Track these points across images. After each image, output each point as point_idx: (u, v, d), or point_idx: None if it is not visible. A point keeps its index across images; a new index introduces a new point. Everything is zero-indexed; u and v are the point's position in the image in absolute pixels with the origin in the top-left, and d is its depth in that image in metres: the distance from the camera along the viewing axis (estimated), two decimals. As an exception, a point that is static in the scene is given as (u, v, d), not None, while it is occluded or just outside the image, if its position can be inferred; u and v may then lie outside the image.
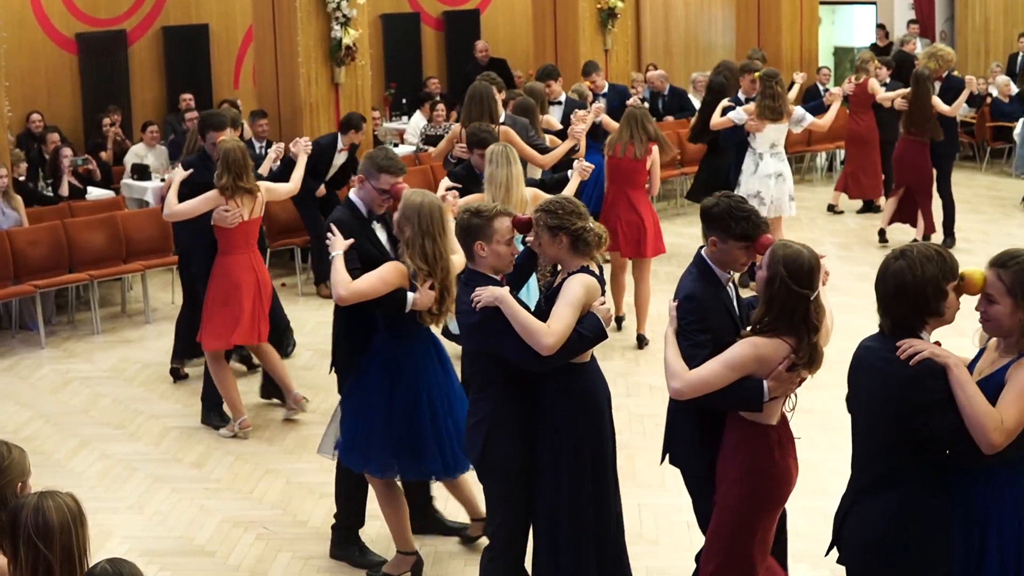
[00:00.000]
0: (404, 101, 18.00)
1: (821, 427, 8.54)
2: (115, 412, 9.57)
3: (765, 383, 5.13)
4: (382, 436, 6.48)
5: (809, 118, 11.82)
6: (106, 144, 15.01)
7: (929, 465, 4.60)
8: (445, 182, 8.36)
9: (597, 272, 5.69)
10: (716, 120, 12.01)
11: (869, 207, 15.21)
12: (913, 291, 4.54)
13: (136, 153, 14.33)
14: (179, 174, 8.93)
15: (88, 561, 3.91)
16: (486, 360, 5.67)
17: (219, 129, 9.11)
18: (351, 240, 6.46)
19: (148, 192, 13.66)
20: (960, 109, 13.29)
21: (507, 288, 5.61)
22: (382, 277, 6.31)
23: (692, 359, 5.22)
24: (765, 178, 11.72)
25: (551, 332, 5.40)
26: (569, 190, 8.59)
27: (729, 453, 5.34)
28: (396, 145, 15.86)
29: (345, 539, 7.07)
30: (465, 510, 7.13)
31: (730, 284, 5.58)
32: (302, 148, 9.56)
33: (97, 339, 11.43)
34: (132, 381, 10.26)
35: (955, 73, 13.96)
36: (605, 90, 13.75)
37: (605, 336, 5.57)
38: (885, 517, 4.66)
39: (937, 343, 4.62)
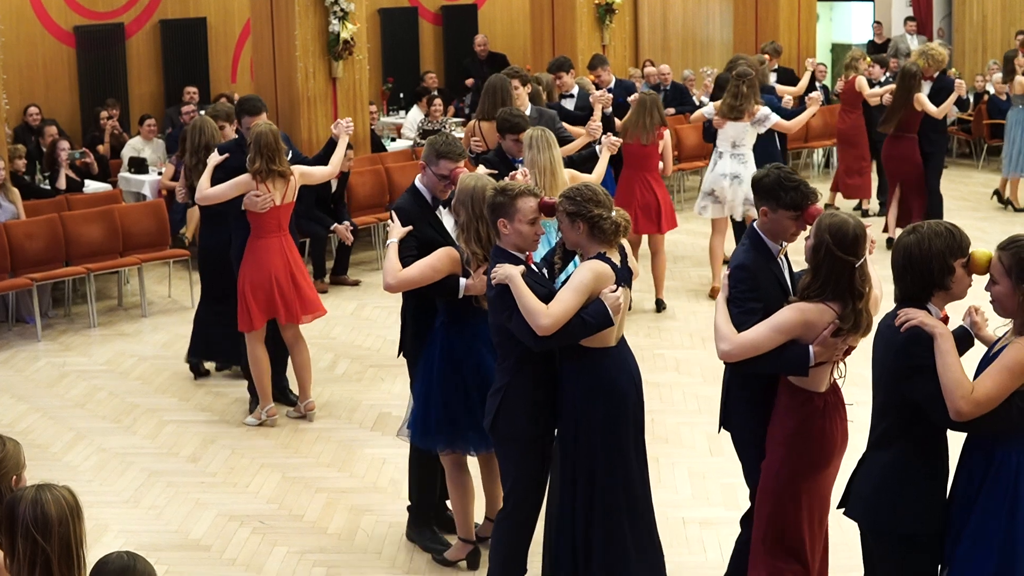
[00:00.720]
0: (402, 95, 17.99)
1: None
2: (111, 406, 9.57)
3: (811, 347, 5.25)
4: (446, 417, 6.52)
5: (774, 119, 11.60)
6: (103, 137, 15.00)
7: (922, 428, 4.82)
8: (481, 169, 8.29)
9: (618, 260, 5.73)
10: (694, 115, 12.06)
11: (858, 208, 15.18)
12: (919, 264, 4.78)
13: (133, 146, 14.34)
14: (214, 158, 8.92)
15: (85, 554, 3.91)
16: (505, 333, 5.80)
17: (254, 114, 9.04)
18: (408, 228, 6.51)
19: (145, 185, 13.66)
20: (947, 111, 13.14)
21: (522, 267, 5.71)
22: (431, 264, 6.35)
23: (741, 325, 5.38)
24: (720, 177, 11.66)
25: (548, 314, 5.53)
26: (600, 166, 8.71)
27: (777, 418, 5.50)
28: (393, 140, 15.86)
29: (420, 522, 7.13)
30: (485, 503, 7.02)
31: (782, 256, 5.72)
32: (343, 130, 9.22)
33: (94, 332, 11.43)
34: (128, 375, 10.26)
35: (952, 72, 13.93)
36: (612, 85, 13.60)
37: (610, 323, 5.62)
38: (880, 472, 4.94)
39: (945, 317, 4.83)
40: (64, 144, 13.10)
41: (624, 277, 5.74)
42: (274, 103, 13.58)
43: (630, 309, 5.93)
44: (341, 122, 9.23)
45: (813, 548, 5.62)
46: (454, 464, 6.72)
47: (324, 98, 13.52)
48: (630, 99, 12.30)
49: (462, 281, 6.34)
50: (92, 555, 3.93)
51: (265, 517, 7.59)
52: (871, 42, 20.69)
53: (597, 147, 9.05)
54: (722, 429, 5.97)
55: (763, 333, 5.30)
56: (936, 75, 13.36)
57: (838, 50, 22.13)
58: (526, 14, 18.28)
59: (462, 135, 10.72)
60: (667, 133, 11.65)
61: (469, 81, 18.14)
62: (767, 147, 12.03)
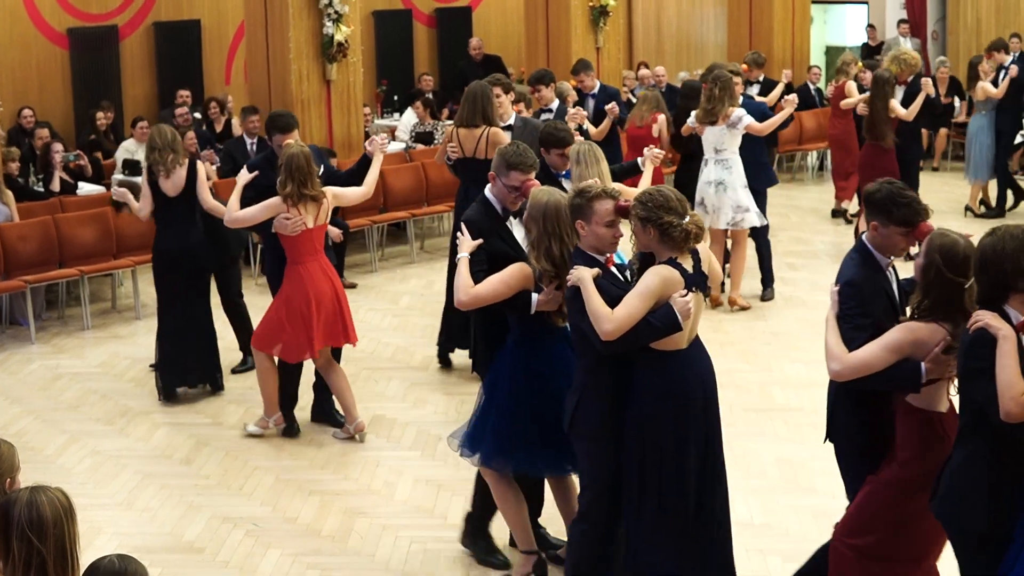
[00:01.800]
0: (396, 98, 17.99)
1: (811, 425, 8.54)
2: (105, 408, 9.56)
3: (923, 364, 5.23)
4: (510, 436, 6.35)
5: (747, 120, 11.32)
6: (99, 140, 15.00)
7: (989, 428, 4.83)
8: None
9: (690, 265, 5.69)
10: (686, 125, 11.91)
11: (837, 210, 15.21)
12: (993, 265, 4.83)
13: (127, 148, 14.30)
14: (243, 176, 8.64)
15: (79, 557, 3.91)
16: (582, 332, 5.78)
17: (286, 131, 8.78)
18: (479, 241, 6.35)
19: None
20: (915, 112, 12.87)
21: (596, 270, 5.71)
22: (504, 280, 6.20)
23: (852, 342, 5.36)
24: (706, 185, 11.44)
25: (611, 319, 5.52)
26: (644, 179, 8.44)
27: (901, 440, 5.44)
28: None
29: (475, 530, 7.03)
30: (562, 517, 6.77)
31: (890, 269, 5.64)
32: (378, 147, 8.79)
33: (87, 335, 11.42)
34: (122, 377, 10.25)
35: (945, 74, 13.92)
36: (595, 90, 13.49)
37: (678, 328, 5.57)
38: (954, 469, 5.02)
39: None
40: (58, 146, 13.10)
41: (696, 282, 5.70)
42: (268, 105, 13.57)
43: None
44: (376, 138, 8.85)
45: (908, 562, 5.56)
46: (496, 477, 6.55)
47: (318, 100, 13.52)
48: (608, 108, 12.27)
49: (534, 297, 6.20)
50: (85, 558, 3.92)
51: (259, 519, 7.58)
52: (865, 45, 20.71)
53: (640, 160, 8.83)
54: (828, 440, 5.88)
55: (874, 352, 5.28)
56: (910, 80, 13.26)
57: (832, 53, 22.16)
58: (520, 16, 18.29)
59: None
60: (661, 117, 12.14)
61: None
62: (755, 153, 11.81)
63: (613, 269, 5.88)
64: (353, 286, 12.74)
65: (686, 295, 5.60)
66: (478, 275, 6.25)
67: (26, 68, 16.11)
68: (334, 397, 8.89)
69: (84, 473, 8.35)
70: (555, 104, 11.88)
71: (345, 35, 13.41)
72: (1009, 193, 15.48)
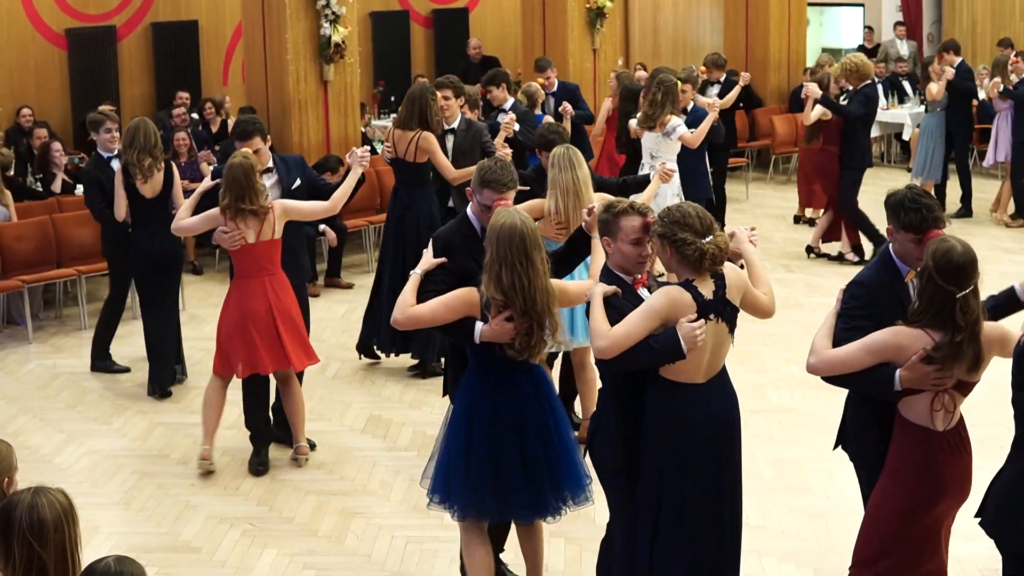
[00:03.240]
0: (393, 99, 17.99)
1: (805, 426, 8.59)
2: (102, 408, 9.58)
3: (898, 372, 5.08)
4: (460, 476, 5.93)
5: (681, 130, 11.07)
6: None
7: None
8: None
9: (709, 290, 5.31)
10: (631, 127, 11.80)
11: (799, 216, 15.21)
12: None
13: (124, 149, 14.33)
14: (204, 184, 8.34)
15: (80, 558, 3.91)
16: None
17: (243, 139, 8.32)
18: (441, 260, 5.96)
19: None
20: (809, 118, 12.66)
21: (615, 288, 5.41)
22: (446, 303, 5.75)
23: (842, 341, 5.24)
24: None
25: (606, 336, 5.22)
26: (647, 192, 8.12)
27: (893, 452, 5.34)
28: (383, 142, 15.81)
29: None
30: (526, 568, 6.35)
31: (911, 280, 5.42)
32: (357, 160, 8.26)
33: (85, 334, 11.41)
34: (119, 376, 10.26)
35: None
36: (555, 88, 13.38)
37: (680, 355, 5.20)
38: (1003, 483, 4.98)
39: None
40: (57, 146, 13.11)
41: (713, 309, 5.28)
42: (265, 106, 13.60)
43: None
44: (356, 151, 8.33)
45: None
46: (466, 528, 6.07)
47: (315, 101, 13.53)
48: (562, 109, 12.20)
49: (478, 326, 5.71)
50: (83, 557, 3.94)
51: (255, 519, 7.60)
52: (861, 47, 20.74)
53: (651, 172, 8.59)
54: (839, 447, 5.82)
55: (852, 351, 5.16)
56: (861, 86, 12.75)
57: (829, 55, 22.19)
58: (517, 18, 18.30)
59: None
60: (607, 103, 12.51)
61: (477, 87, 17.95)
62: (693, 163, 11.56)
63: (644, 292, 5.51)
64: (350, 286, 12.77)
65: (697, 321, 5.21)
66: (426, 295, 5.85)
67: (24, 68, 16.11)
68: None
69: (81, 472, 8.37)
70: (508, 103, 11.78)
71: (342, 36, 13.43)
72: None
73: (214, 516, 7.65)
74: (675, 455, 5.36)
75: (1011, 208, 15.08)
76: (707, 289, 5.28)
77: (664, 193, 10.92)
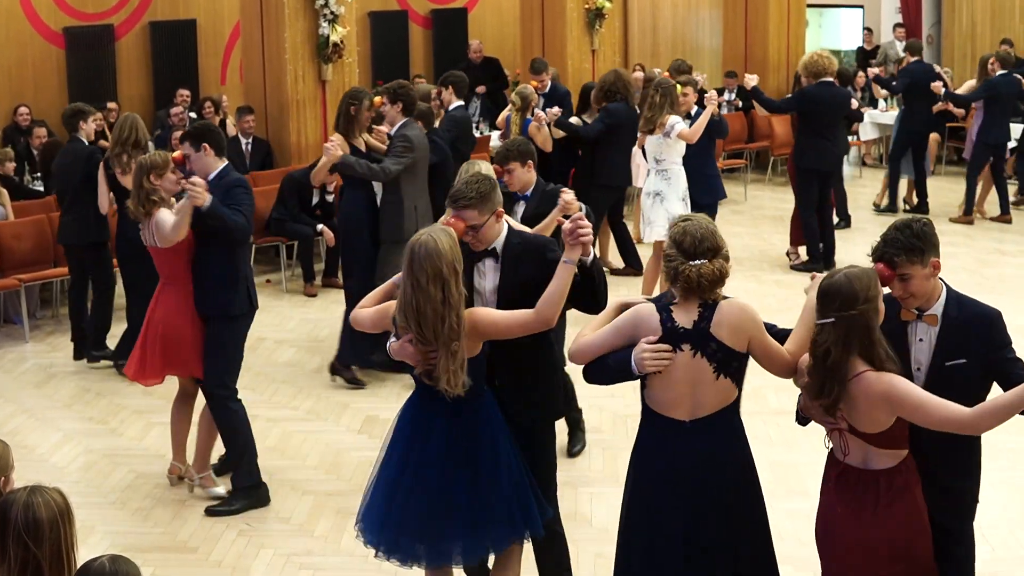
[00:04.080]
0: (392, 99, 17.97)
1: (803, 430, 8.53)
2: (98, 407, 9.56)
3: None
4: (380, 506, 5.59)
5: (680, 127, 10.86)
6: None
7: None
8: None
9: (689, 319, 4.95)
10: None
11: None
12: None
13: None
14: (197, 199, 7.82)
15: (75, 558, 3.90)
16: None
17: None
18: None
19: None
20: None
21: (637, 298, 5.23)
22: (380, 311, 5.46)
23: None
24: (645, 196, 11.13)
25: (577, 342, 5.10)
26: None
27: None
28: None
29: None
30: None
31: (919, 323, 5.13)
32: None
33: (81, 334, 11.42)
34: (116, 376, 10.24)
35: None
36: (547, 90, 13.33)
37: (629, 376, 5.00)
38: None
39: None
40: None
41: (687, 340, 4.92)
42: (263, 106, 13.60)
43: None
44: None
45: None
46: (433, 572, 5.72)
47: (313, 101, 13.53)
48: (549, 111, 12.17)
49: (391, 340, 5.40)
50: (79, 556, 3.92)
51: (251, 519, 7.59)
52: (860, 48, 20.75)
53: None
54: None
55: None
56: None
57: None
58: (516, 18, 18.32)
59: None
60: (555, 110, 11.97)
61: (480, 88, 17.94)
62: (700, 164, 11.42)
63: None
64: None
65: (656, 344, 4.91)
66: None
67: (22, 67, 16.11)
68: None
69: (77, 472, 8.36)
70: (453, 105, 11.70)
71: (341, 36, 13.43)
72: (903, 189, 15.87)
73: (210, 516, 7.63)
74: (637, 489, 5.18)
75: (991, 210, 15.17)
76: (686, 317, 4.95)
77: (670, 197, 10.96)
